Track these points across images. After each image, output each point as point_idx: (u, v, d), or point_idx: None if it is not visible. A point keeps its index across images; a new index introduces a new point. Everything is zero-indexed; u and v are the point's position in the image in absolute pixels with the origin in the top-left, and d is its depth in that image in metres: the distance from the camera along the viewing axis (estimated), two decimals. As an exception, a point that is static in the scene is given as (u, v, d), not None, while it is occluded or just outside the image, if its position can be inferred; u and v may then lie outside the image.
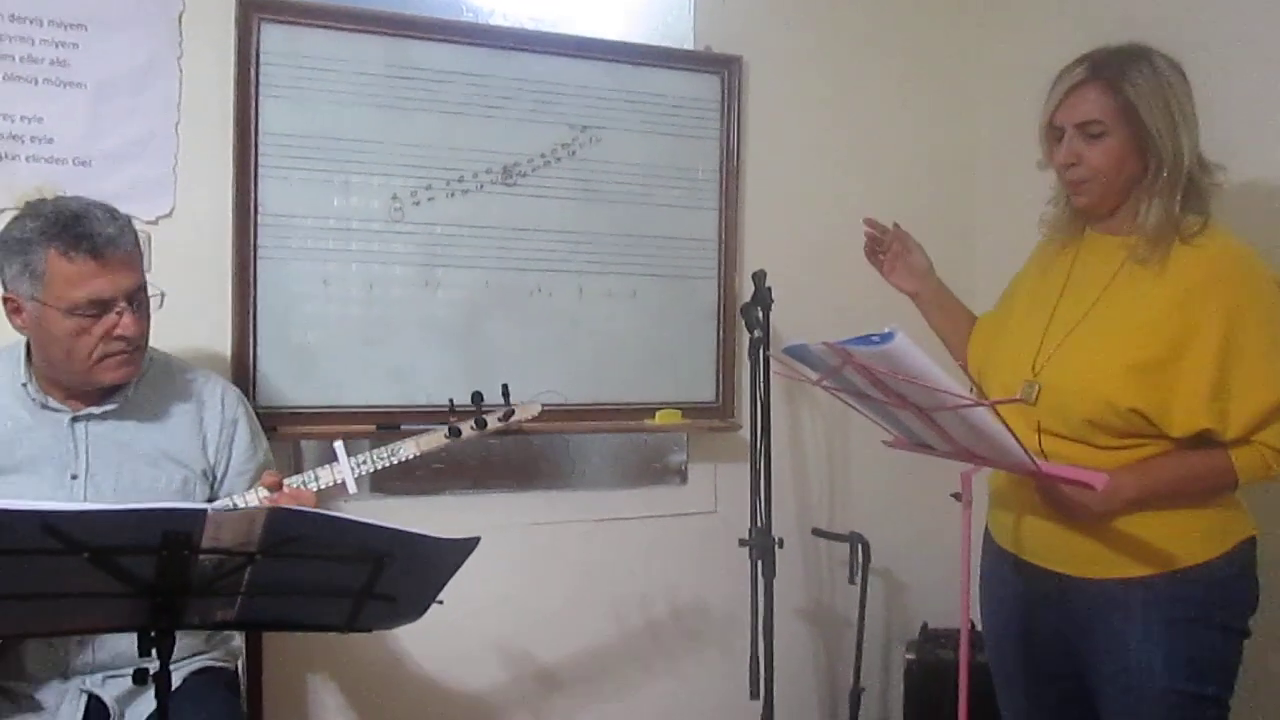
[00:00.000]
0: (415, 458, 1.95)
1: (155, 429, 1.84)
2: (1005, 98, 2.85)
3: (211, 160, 2.20)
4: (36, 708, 1.73)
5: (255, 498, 1.80)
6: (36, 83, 2.08)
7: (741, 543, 2.15)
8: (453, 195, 2.39)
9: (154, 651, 1.35)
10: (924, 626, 2.74)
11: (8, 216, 2.03)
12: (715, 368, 2.64)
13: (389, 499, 2.36)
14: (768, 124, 2.69)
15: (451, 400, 2.04)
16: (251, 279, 2.23)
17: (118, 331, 1.71)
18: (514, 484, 2.52)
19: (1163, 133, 1.67)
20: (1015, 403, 1.83)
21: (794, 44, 2.73)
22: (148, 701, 1.73)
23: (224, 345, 2.21)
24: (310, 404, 2.29)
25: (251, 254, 2.23)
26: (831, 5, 2.78)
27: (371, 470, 1.92)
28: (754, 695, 2.09)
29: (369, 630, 1.50)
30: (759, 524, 2.15)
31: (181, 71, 2.18)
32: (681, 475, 2.69)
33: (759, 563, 2.12)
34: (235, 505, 1.79)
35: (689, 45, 2.62)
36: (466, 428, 1.98)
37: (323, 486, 1.86)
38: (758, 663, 2.09)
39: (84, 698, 1.74)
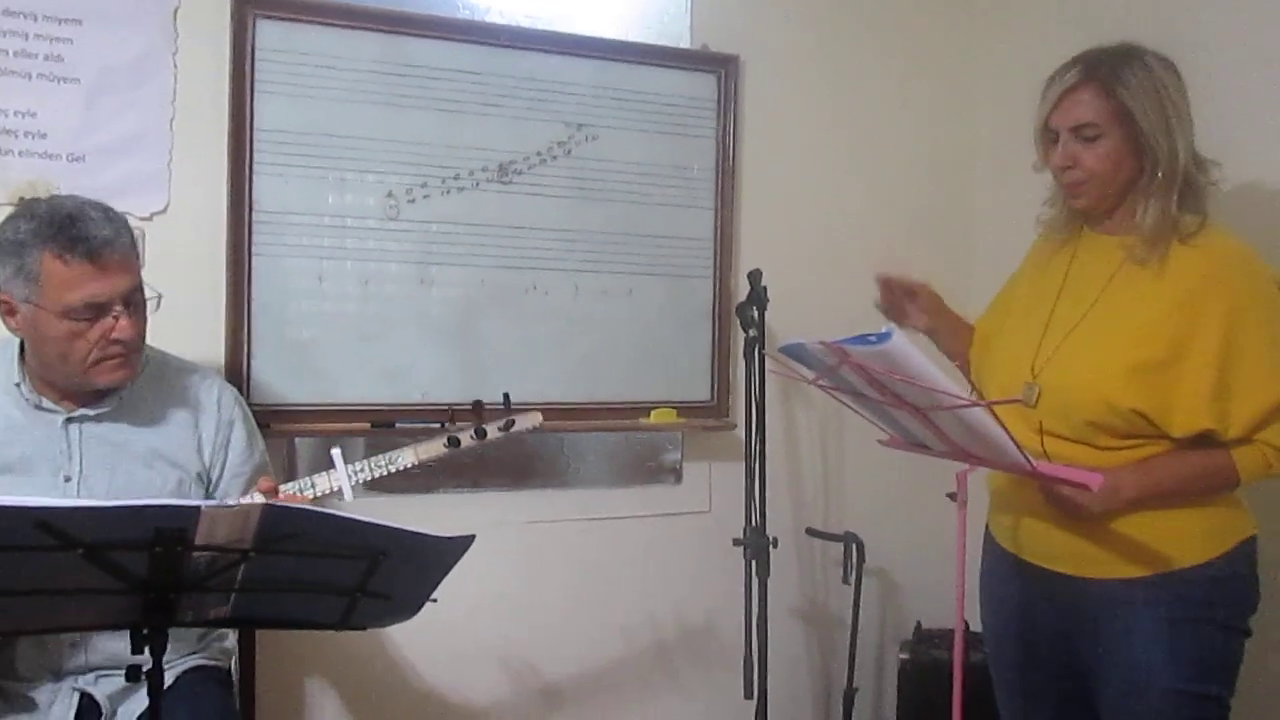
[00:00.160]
0: (413, 466, 1.93)
1: (150, 430, 1.82)
2: (1003, 97, 2.85)
3: (206, 156, 2.19)
4: (29, 705, 1.72)
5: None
6: (30, 77, 2.08)
7: (736, 542, 2.15)
8: (448, 193, 2.38)
9: (147, 649, 1.34)
10: (918, 626, 2.74)
11: (1, 211, 2.04)
12: (710, 367, 2.64)
13: (383, 496, 2.35)
14: (764, 123, 2.69)
15: (451, 408, 2.03)
16: (246, 276, 2.23)
17: (114, 335, 1.68)
18: (509, 482, 2.52)
19: (1157, 133, 1.67)
20: (1011, 403, 1.83)
21: (791, 43, 2.73)
22: (140, 700, 1.72)
23: (218, 342, 2.21)
24: (305, 402, 2.28)
25: (246, 251, 2.22)
26: (829, 4, 2.78)
27: (369, 478, 1.90)
28: (748, 695, 2.09)
29: (363, 628, 1.49)
30: (753, 523, 2.15)
31: (176, 67, 2.18)
32: (676, 474, 2.69)
33: (753, 562, 2.12)
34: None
35: (686, 44, 2.62)
36: (466, 437, 1.95)
37: (319, 494, 1.84)
38: (752, 662, 2.09)
39: (76, 696, 1.73)
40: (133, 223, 1.79)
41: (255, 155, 2.22)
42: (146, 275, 1.79)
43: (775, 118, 2.70)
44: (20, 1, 2.05)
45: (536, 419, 2.04)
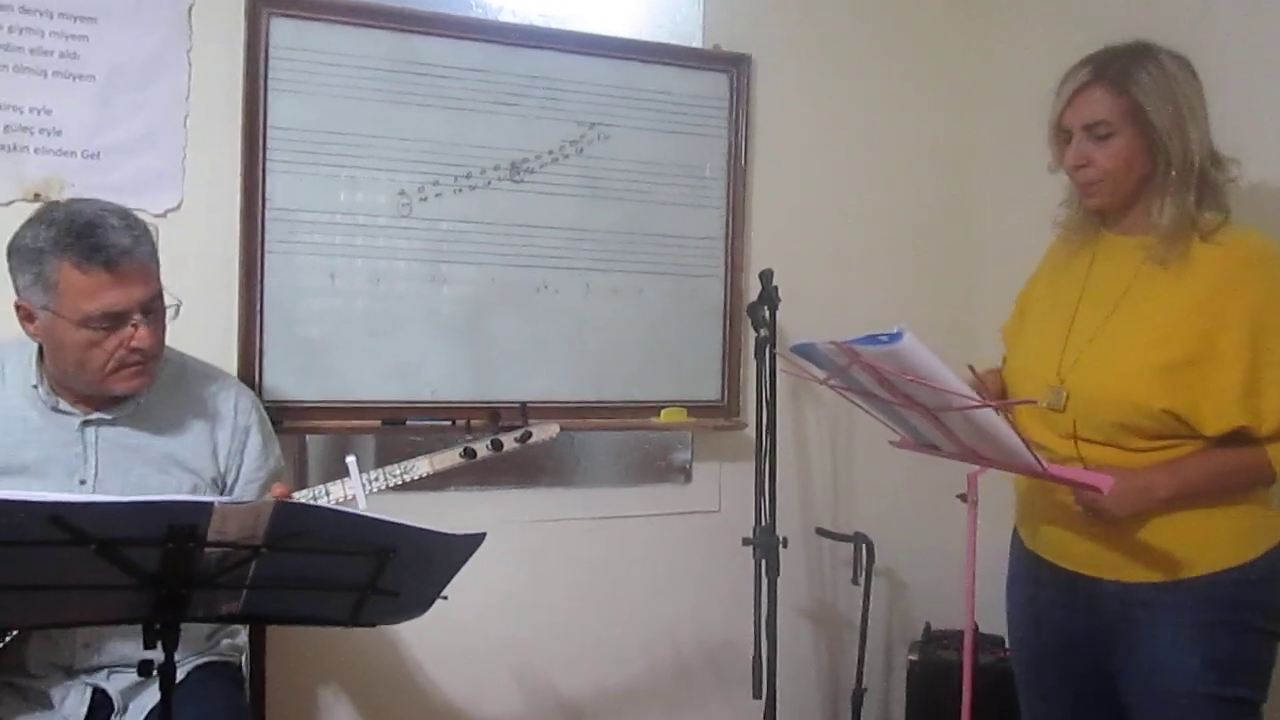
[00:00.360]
0: (428, 476, 1.92)
1: (166, 435, 1.81)
2: (1013, 97, 2.84)
3: (219, 154, 2.20)
4: (43, 700, 1.73)
5: None
6: (46, 75, 2.09)
7: (745, 542, 2.15)
8: (460, 191, 2.39)
9: (159, 644, 1.34)
10: (927, 628, 2.74)
11: (16, 208, 2.05)
12: (721, 366, 2.63)
13: (392, 494, 2.35)
14: (776, 123, 2.68)
15: (469, 417, 2.02)
16: (258, 273, 2.23)
17: (132, 344, 1.67)
18: (518, 481, 2.52)
19: (1171, 131, 1.66)
20: (1022, 404, 1.82)
21: (802, 43, 2.72)
22: (152, 695, 1.73)
23: (230, 339, 2.21)
24: (316, 399, 2.29)
25: (259, 248, 2.23)
26: (840, 5, 2.77)
27: (384, 487, 1.88)
28: (756, 695, 2.09)
29: (373, 625, 1.50)
30: (763, 523, 2.15)
31: (190, 65, 2.19)
32: (686, 474, 2.69)
33: (762, 562, 2.12)
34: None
35: (698, 43, 2.61)
36: (482, 448, 1.94)
37: (334, 503, 1.82)
38: (760, 662, 2.09)
39: (89, 691, 1.74)
40: (146, 220, 1.78)
41: (268, 153, 2.23)
42: (165, 282, 1.77)
43: (787, 117, 2.70)
44: (36, -1, 2.06)
45: (554, 430, 2.03)
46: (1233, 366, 1.62)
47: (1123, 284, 1.75)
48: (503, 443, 1.96)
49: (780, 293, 2.26)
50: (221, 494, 1.87)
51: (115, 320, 1.66)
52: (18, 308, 1.68)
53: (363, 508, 1.84)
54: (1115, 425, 1.69)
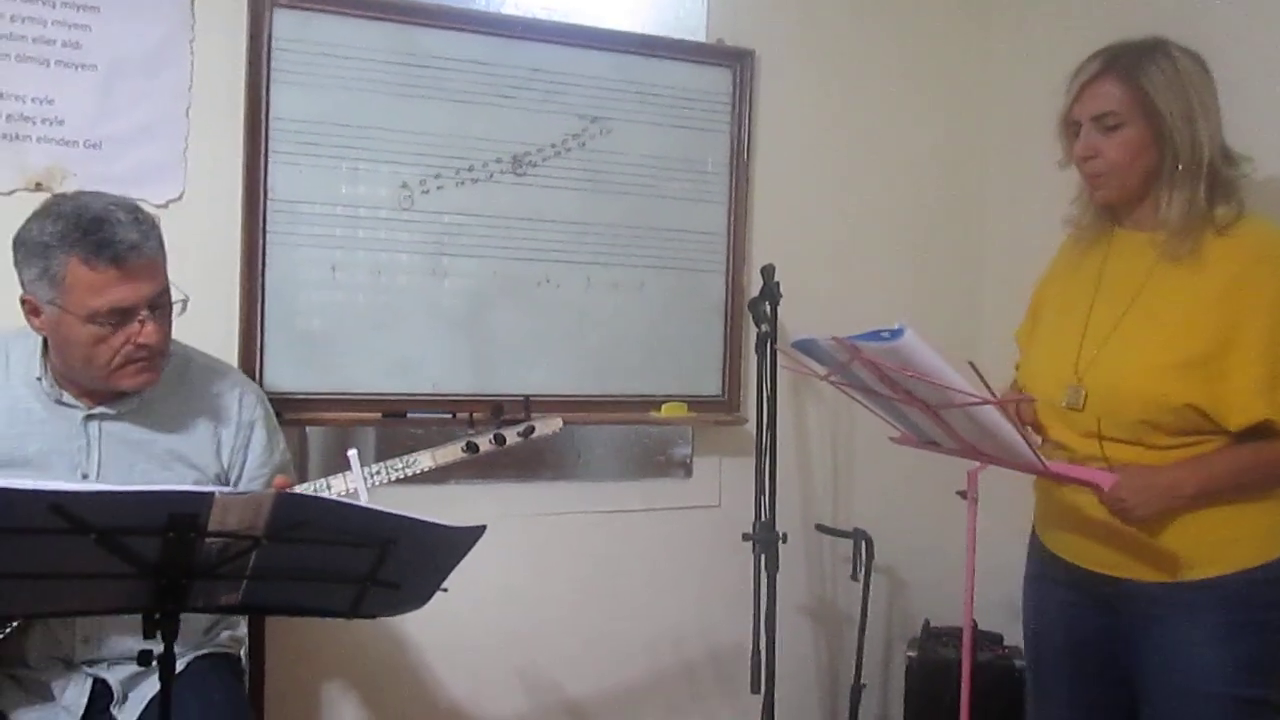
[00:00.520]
0: (430, 470, 1.92)
1: (170, 430, 1.80)
2: (1017, 93, 2.84)
3: (222, 145, 2.20)
4: (44, 692, 1.73)
5: None
6: (48, 64, 2.08)
7: (745, 537, 2.15)
8: (462, 184, 2.39)
9: (158, 634, 1.34)
10: (926, 624, 2.74)
11: (18, 198, 2.05)
12: (722, 361, 2.63)
13: (393, 487, 2.36)
14: (778, 118, 2.68)
15: (471, 412, 2.01)
16: (260, 264, 2.23)
17: (139, 340, 1.66)
18: (519, 474, 2.52)
19: (1179, 123, 1.65)
20: (1021, 400, 1.82)
21: (806, 38, 2.72)
22: (151, 685, 1.74)
23: (231, 331, 2.21)
24: (316, 391, 2.29)
25: (260, 239, 2.23)
26: (843, 1, 2.76)
27: (386, 481, 1.87)
28: (755, 690, 2.09)
29: (372, 617, 1.49)
30: (763, 519, 2.15)
31: (193, 55, 2.18)
32: (686, 469, 2.69)
33: (762, 557, 2.12)
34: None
35: (701, 38, 2.61)
36: (484, 442, 1.93)
37: (335, 496, 1.81)
38: (759, 657, 2.09)
39: (89, 682, 1.74)
40: (148, 210, 1.76)
41: (270, 144, 2.23)
42: (174, 280, 1.75)
43: (789, 113, 2.70)
44: (39, -12, 2.06)
45: (556, 424, 2.02)
46: (1255, 359, 1.60)
47: (1137, 281, 1.73)
48: (505, 437, 1.95)
49: (782, 288, 2.26)
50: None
51: (122, 316, 1.64)
52: (23, 301, 1.67)
53: (364, 501, 1.83)
54: (1138, 422, 1.67)
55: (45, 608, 1.44)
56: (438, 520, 1.35)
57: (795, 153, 2.71)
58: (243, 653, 2.00)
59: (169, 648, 1.35)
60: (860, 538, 2.58)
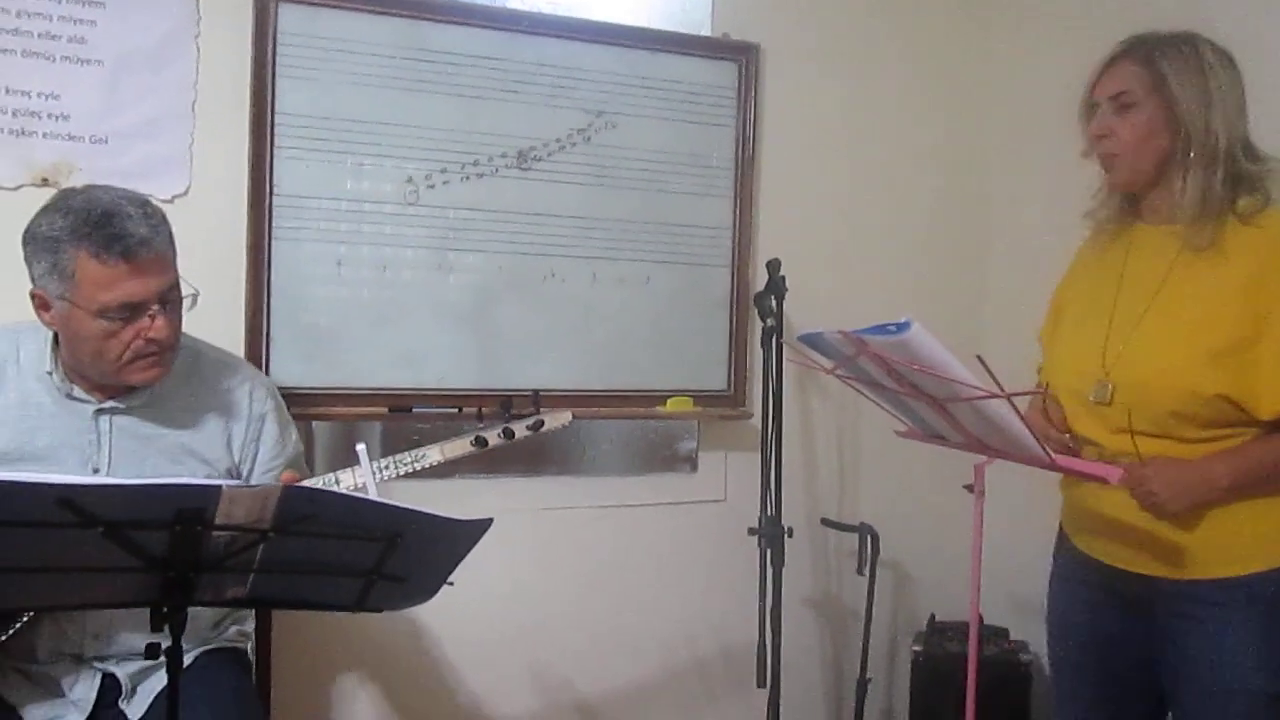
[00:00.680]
0: (438, 464, 1.91)
1: (180, 424, 1.79)
2: (1022, 88, 2.83)
3: (227, 140, 2.20)
4: (53, 687, 1.73)
5: None
6: (54, 60, 2.09)
7: (751, 531, 2.16)
8: (467, 179, 2.39)
9: (166, 628, 1.35)
10: (932, 619, 2.74)
11: (25, 193, 2.06)
12: (727, 356, 2.63)
13: (400, 481, 2.36)
14: (784, 112, 2.68)
15: (479, 409, 2.01)
16: (265, 259, 2.23)
17: (149, 334, 1.65)
18: (524, 469, 2.52)
19: (1193, 108, 1.64)
20: (1029, 394, 1.82)
21: (811, 33, 2.72)
22: (159, 679, 1.74)
23: (237, 326, 2.22)
24: (322, 385, 2.29)
25: (266, 234, 2.23)
26: (850, -6, 2.77)
27: (394, 475, 1.86)
28: (760, 683, 2.10)
29: (379, 610, 1.50)
30: (769, 513, 2.16)
31: (199, 50, 2.19)
32: (692, 463, 2.69)
33: (768, 552, 2.13)
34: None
35: (706, 32, 2.61)
36: (493, 436, 1.92)
37: (343, 490, 1.79)
38: (765, 651, 2.09)
39: (98, 677, 1.74)
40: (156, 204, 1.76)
41: (276, 139, 2.23)
42: (183, 275, 1.75)
43: (795, 107, 2.69)
44: (45, -17, 2.06)
45: (566, 418, 2.01)
46: None
47: (1160, 273, 1.71)
48: (514, 431, 1.94)
49: (787, 283, 2.26)
50: None
51: (133, 311, 1.64)
52: (33, 296, 1.67)
53: (373, 495, 1.83)
54: (1168, 414, 1.65)
55: (53, 601, 1.44)
56: (444, 513, 1.35)
57: (800, 147, 2.71)
58: (249, 648, 2.00)
59: (176, 641, 1.36)
60: (866, 532, 2.58)
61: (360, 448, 1.83)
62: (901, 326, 1.46)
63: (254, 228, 2.22)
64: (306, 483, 1.76)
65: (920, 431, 1.83)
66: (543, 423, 1.97)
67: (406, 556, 1.37)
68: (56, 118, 2.10)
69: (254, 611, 2.01)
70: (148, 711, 1.74)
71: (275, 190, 2.24)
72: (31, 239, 1.64)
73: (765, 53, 2.64)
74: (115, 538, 1.23)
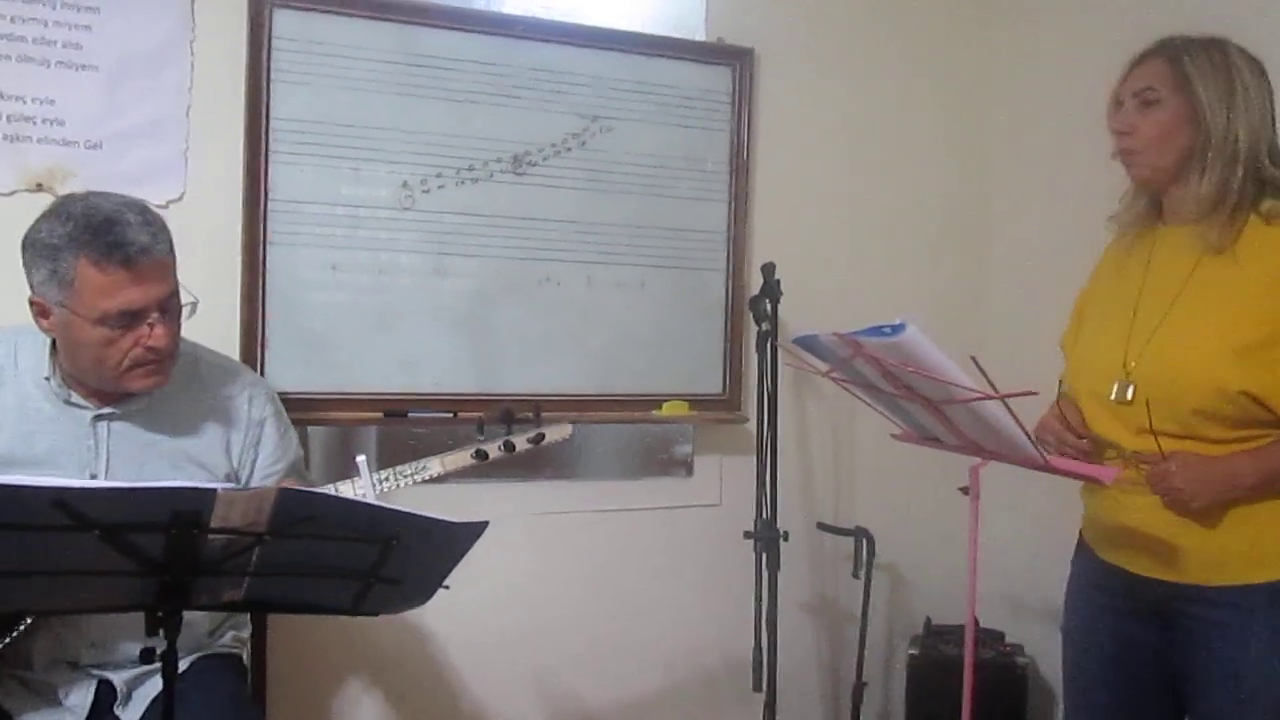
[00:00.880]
0: (439, 476, 1.91)
1: (179, 430, 1.79)
2: (1019, 91, 2.84)
3: (223, 145, 2.20)
4: (49, 694, 1.73)
5: None
6: (49, 65, 2.09)
7: (746, 535, 2.15)
8: (463, 184, 2.39)
9: (161, 632, 1.34)
10: (928, 622, 2.74)
11: (19, 198, 2.06)
12: (723, 360, 2.64)
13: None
14: (779, 117, 2.68)
15: (480, 416, 2.01)
16: (261, 264, 2.23)
17: (148, 342, 1.65)
18: (520, 473, 2.52)
19: (1215, 107, 1.65)
20: (1023, 395, 1.82)
21: (806, 37, 2.72)
22: (155, 684, 1.74)
23: (233, 330, 2.21)
24: (318, 390, 2.29)
25: (261, 239, 2.23)
26: (844, -2, 2.78)
27: (395, 487, 1.86)
28: (757, 688, 2.09)
29: (375, 614, 1.49)
30: (764, 517, 2.15)
31: (194, 55, 2.19)
32: (687, 467, 2.69)
33: (764, 556, 2.12)
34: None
35: (701, 36, 2.61)
36: (494, 449, 1.93)
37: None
38: (761, 655, 2.09)
39: (94, 683, 1.74)
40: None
41: (271, 144, 2.23)
42: (183, 283, 1.75)
43: (790, 111, 2.70)
44: (40, -11, 2.06)
45: (566, 431, 2.02)
46: None
47: (1184, 273, 1.71)
48: (515, 444, 1.94)
49: (782, 286, 2.27)
50: None
51: (132, 318, 1.63)
52: (32, 303, 1.66)
53: None
54: (1192, 413, 1.64)
55: (49, 604, 1.44)
56: (440, 516, 1.35)
57: (795, 151, 2.71)
58: (245, 653, 1.99)
59: (172, 645, 1.35)
60: (861, 535, 2.58)
61: (361, 459, 1.83)
62: (896, 328, 1.47)
63: (249, 232, 2.22)
64: None
65: (915, 434, 1.84)
66: (543, 436, 1.98)
67: (403, 559, 1.37)
68: (51, 123, 2.09)
69: (249, 617, 2.01)
70: (143, 717, 1.73)
71: (271, 195, 2.24)
72: (31, 246, 1.63)
73: (760, 57, 2.64)
74: (111, 541, 1.23)
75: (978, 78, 2.90)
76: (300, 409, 2.25)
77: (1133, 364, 1.72)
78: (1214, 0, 2.17)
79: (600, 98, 2.49)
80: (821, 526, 2.72)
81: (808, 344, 1.69)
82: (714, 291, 2.62)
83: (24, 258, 1.64)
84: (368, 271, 2.33)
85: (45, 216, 1.64)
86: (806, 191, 2.73)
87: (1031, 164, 2.81)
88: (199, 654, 1.82)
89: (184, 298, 1.73)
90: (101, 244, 1.59)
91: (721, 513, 2.66)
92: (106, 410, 1.74)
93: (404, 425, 2.36)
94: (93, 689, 1.74)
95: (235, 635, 1.94)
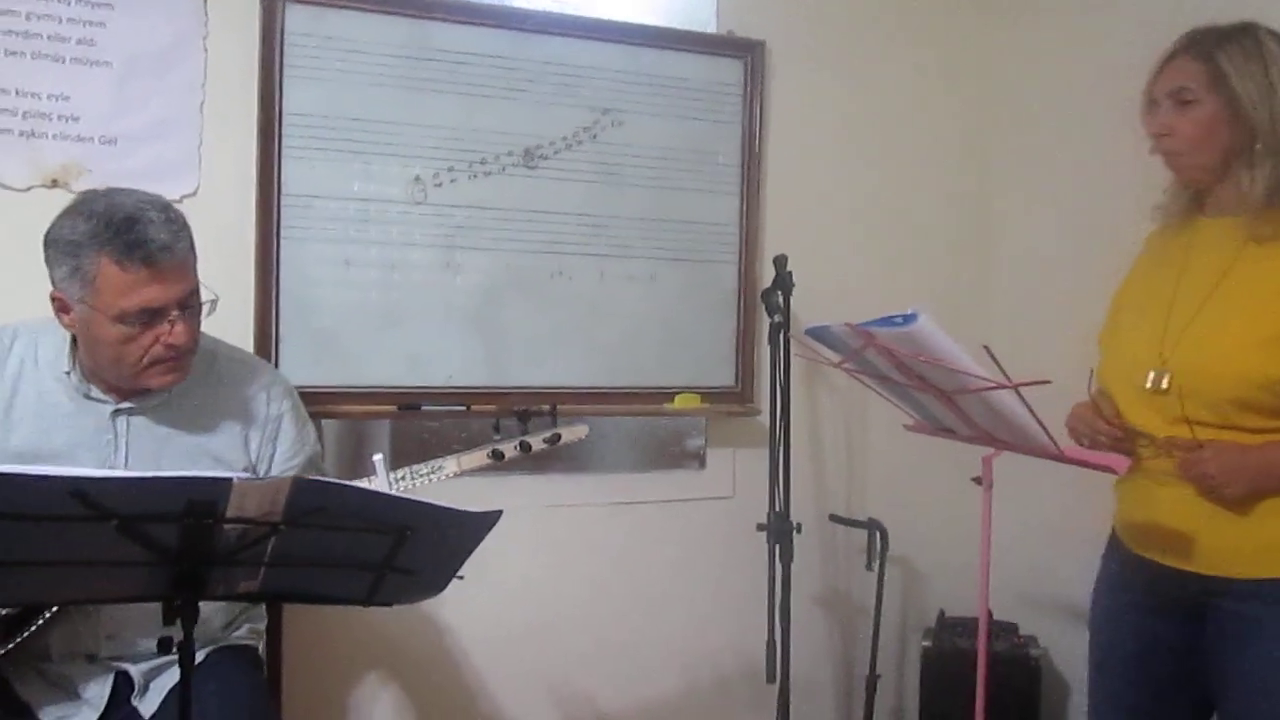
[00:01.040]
0: (455, 475, 1.90)
1: (197, 425, 1.80)
2: (1028, 83, 2.83)
3: (235, 140, 2.21)
4: (66, 685, 1.74)
5: None
6: (64, 61, 2.10)
7: (759, 528, 2.15)
8: (474, 177, 2.39)
9: (177, 622, 1.35)
10: (941, 614, 2.74)
11: (34, 194, 2.07)
12: (735, 352, 2.64)
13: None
14: (790, 109, 2.68)
15: (497, 420, 2.01)
16: (274, 259, 2.24)
17: (168, 340, 1.65)
18: (532, 466, 2.51)
19: (1256, 101, 1.63)
20: (1036, 384, 1.81)
21: (817, 29, 2.72)
22: (171, 675, 1.73)
23: (246, 324, 2.22)
24: (330, 384, 2.30)
25: (274, 234, 2.24)
26: (855, -9, 2.77)
27: (411, 487, 1.85)
28: (770, 679, 2.10)
29: (389, 604, 1.50)
30: (777, 509, 2.15)
31: (206, 51, 2.20)
32: (700, 460, 2.69)
33: (776, 548, 2.12)
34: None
35: (712, 29, 2.61)
36: (510, 449, 1.92)
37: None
38: (774, 647, 2.09)
39: (111, 675, 1.75)
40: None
41: (284, 140, 2.24)
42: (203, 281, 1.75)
43: (801, 104, 2.69)
44: (54, -15, 2.07)
45: (582, 432, 2.01)
46: None
47: (1223, 265, 1.68)
48: (531, 444, 1.94)
49: (794, 278, 2.26)
50: None
51: (152, 316, 1.64)
52: (53, 299, 1.66)
53: None
54: (1228, 402, 1.62)
55: (66, 595, 1.45)
56: (454, 506, 1.36)
57: (806, 143, 2.71)
58: (261, 645, 2.00)
59: (188, 635, 1.36)
60: (874, 528, 2.58)
61: (377, 458, 1.83)
62: (908, 318, 1.47)
63: (262, 227, 2.23)
64: None
65: (928, 425, 1.83)
66: (559, 436, 1.97)
67: (416, 549, 1.38)
68: (66, 119, 2.11)
69: (265, 609, 2.02)
70: (160, 708, 1.74)
71: (284, 190, 2.25)
72: (53, 243, 1.63)
73: (771, 49, 2.64)
74: (127, 531, 1.23)
75: (987, 70, 2.89)
76: (313, 402, 2.25)
77: (1169, 353, 1.69)
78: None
79: (611, 91, 2.49)
80: (834, 519, 2.72)
81: (820, 335, 1.70)
82: (726, 284, 2.63)
83: (46, 254, 1.65)
84: (380, 266, 2.34)
85: (67, 213, 1.64)
86: (817, 184, 2.73)
87: (1040, 156, 2.79)
88: (215, 646, 1.83)
89: (204, 295, 1.73)
90: (123, 242, 1.59)
91: (734, 505, 2.65)
92: (125, 405, 1.75)
93: (416, 419, 2.37)
94: (110, 681, 1.75)
95: (251, 628, 1.95)
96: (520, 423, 1.96)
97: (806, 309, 2.29)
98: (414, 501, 1.33)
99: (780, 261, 2.29)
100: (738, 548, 2.46)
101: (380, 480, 1.81)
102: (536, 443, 1.95)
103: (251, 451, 1.86)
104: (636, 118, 2.51)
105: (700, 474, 2.69)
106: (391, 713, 2.44)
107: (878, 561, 2.58)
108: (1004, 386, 1.50)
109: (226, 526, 1.27)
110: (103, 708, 1.73)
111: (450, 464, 1.89)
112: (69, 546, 1.25)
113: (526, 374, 2.44)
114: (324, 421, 2.33)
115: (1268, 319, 1.60)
